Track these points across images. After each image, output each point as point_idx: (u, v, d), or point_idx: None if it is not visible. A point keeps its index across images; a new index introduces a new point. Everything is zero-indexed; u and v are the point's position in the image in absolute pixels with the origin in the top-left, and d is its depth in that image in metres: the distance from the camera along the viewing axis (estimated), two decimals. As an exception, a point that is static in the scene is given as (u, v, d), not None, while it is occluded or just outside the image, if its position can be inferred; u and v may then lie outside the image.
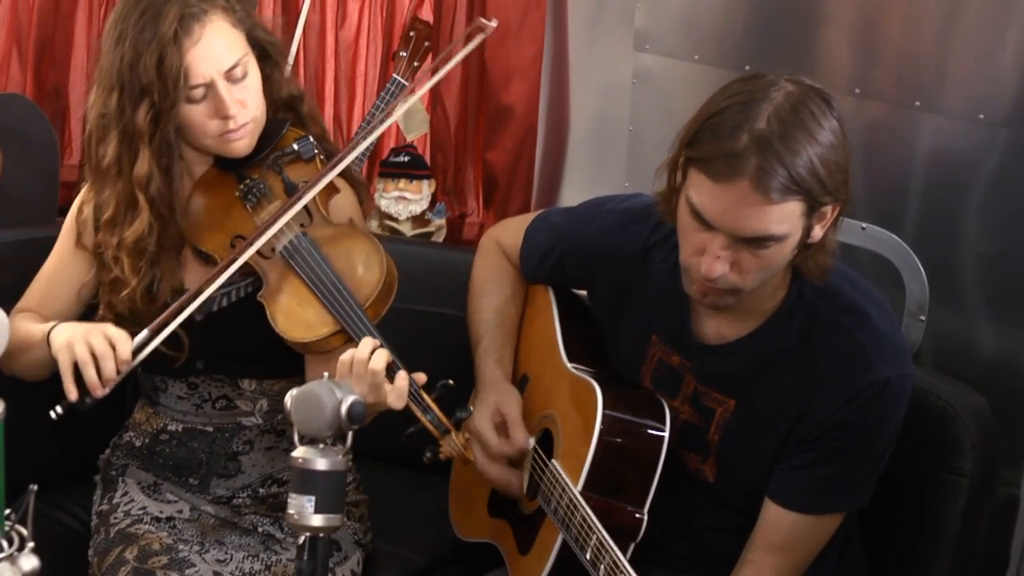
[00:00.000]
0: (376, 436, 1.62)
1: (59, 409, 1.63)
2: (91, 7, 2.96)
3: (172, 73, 1.60)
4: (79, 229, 1.78)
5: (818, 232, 1.49)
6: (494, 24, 1.75)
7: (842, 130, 1.45)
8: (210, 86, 1.64)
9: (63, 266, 1.81)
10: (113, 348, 1.60)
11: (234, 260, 1.66)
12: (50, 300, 1.80)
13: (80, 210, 1.79)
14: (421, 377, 1.60)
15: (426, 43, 2.81)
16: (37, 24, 2.90)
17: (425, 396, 1.61)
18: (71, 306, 1.79)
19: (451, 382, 1.63)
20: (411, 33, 2.80)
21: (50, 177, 2.65)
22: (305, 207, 1.71)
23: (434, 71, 1.80)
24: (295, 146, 1.74)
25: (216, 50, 1.64)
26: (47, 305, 1.80)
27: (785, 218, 1.42)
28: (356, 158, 2.73)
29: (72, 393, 1.61)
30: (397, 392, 1.56)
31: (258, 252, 1.68)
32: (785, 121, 1.41)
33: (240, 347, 1.75)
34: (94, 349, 1.60)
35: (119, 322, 1.71)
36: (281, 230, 1.68)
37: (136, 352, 1.63)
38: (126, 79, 1.63)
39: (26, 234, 2.08)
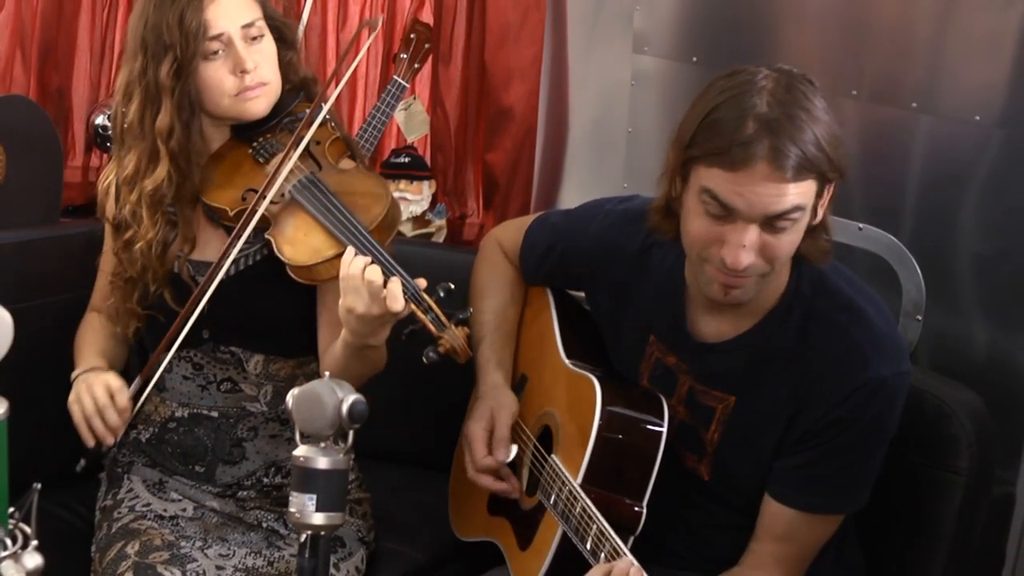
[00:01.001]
0: (377, 435, 1.62)
1: (83, 461, 1.77)
2: (94, 10, 2.96)
3: (193, 28, 1.68)
4: (102, 202, 1.84)
5: (819, 212, 1.51)
6: (380, 20, 1.89)
7: (828, 107, 1.49)
8: (227, 42, 1.71)
9: (104, 250, 1.89)
10: (113, 398, 1.72)
11: (253, 212, 1.70)
12: (103, 292, 1.89)
13: (103, 183, 1.84)
14: (422, 282, 1.62)
15: (426, 45, 2.83)
16: (40, 27, 2.91)
17: (426, 296, 1.62)
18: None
19: (451, 285, 1.63)
20: (411, 35, 2.81)
21: (53, 178, 2.66)
22: (314, 158, 1.77)
23: (339, 76, 1.88)
24: (308, 111, 1.79)
25: (233, 6, 1.72)
26: (101, 299, 1.89)
27: (803, 194, 1.45)
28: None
29: (90, 441, 1.74)
30: (392, 293, 1.56)
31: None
32: (783, 102, 1.44)
33: (247, 318, 1.78)
34: (97, 401, 1.72)
35: (127, 287, 1.78)
36: (291, 173, 1.73)
37: (135, 398, 1.75)
38: (149, 41, 1.70)
39: (30, 235, 2.10)
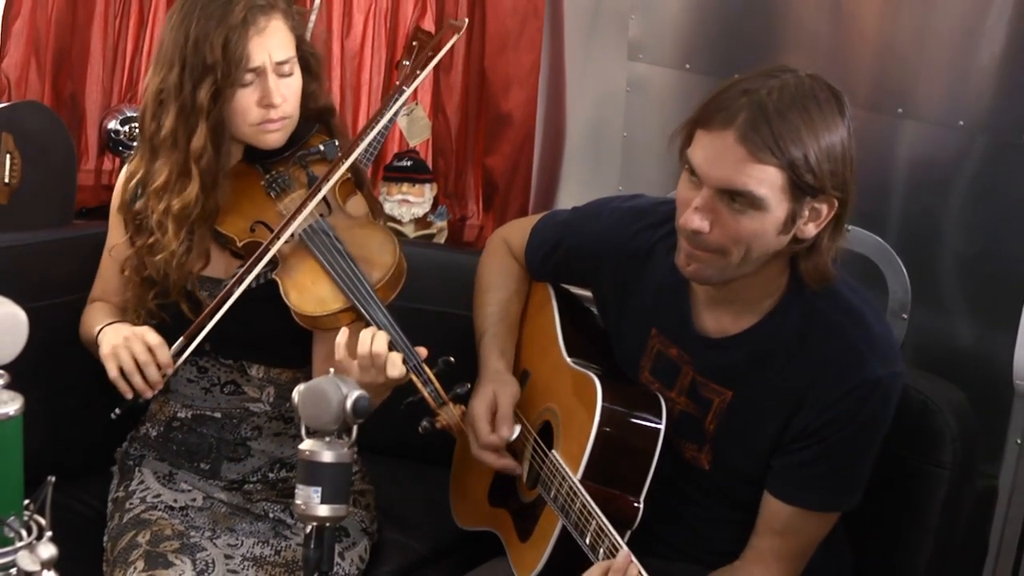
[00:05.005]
0: (380, 430, 1.65)
1: (117, 411, 1.74)
2: (106, 18, 2.97)
3: (236, 55, 1.69)
4: (123, 196, 1.85)
5: (811, 229, 1.50)
6: (464, 22, 1.91)
7: (848, 132, 1.47)
8: (261, 73, 1.73)
9: (111, 239, 1.89)
10: (153, 354, 1.70)
11: (264, 253, 1.73)
12: (109, 282, 1.90)
13: (127, 179, 1.86)
14: (423, 351, 1.66)
15: (428, 52, 2.87)
16: (54, 35, 2.92)
17: (426, 368, 1.66)
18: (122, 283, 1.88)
19: (452, 359, 1.68)
20: (414, 43, 2.85)
21: (67, 182, 2.68)
22: (325, 199, 1.79)
23: (421, 68, 1.88)
24: (321, 147, 1.83)
25: (274, 42, 1.74)
26: (108, 289, 1.90)
27: (764, 181, 1.44)
28: (363, 162, 2.79)
29: (128, 392, 1.71)
30: (392, 362, 1.62)
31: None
32: (786, 95, 1.44)
33: (248, 334, 1.81)
34: (136, 357, 1.70)
35: (143, 285, 1.80)
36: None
37: (176, 356, 1.73)
38: (189, 57, 1.71)
39: (44, 236, 2.13)
